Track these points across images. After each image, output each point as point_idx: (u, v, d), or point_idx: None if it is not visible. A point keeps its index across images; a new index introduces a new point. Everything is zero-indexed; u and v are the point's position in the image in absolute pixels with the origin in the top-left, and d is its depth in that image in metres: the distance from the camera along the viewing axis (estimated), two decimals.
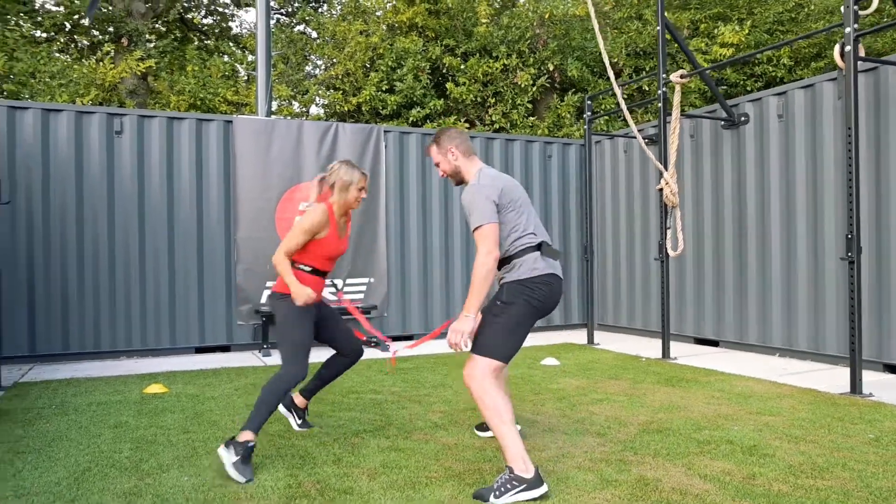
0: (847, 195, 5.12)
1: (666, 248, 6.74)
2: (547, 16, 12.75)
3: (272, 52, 13.40)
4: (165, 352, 7.43)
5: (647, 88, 12.59)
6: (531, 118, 12.96)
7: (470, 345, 3.32)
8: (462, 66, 12.81)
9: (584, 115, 8.20)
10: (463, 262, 8.83)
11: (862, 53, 5.22)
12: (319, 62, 14.98)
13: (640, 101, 9.78)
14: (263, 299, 7.72)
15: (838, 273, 6.28)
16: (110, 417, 4.59)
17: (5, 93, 10.63)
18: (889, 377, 5.71)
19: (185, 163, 7.57)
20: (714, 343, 7.60)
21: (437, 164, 3.60)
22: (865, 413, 4.49)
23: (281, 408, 4.25)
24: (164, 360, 7.16)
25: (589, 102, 8.19)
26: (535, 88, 12.69)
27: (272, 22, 17.21)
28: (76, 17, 13.66)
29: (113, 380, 5.98)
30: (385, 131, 8.50)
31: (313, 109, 14.55)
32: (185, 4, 16.53)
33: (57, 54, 12.81)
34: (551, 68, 12.96)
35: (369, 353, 7.45)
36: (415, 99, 12.56)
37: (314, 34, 15.53)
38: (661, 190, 6.72)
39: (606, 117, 12.35)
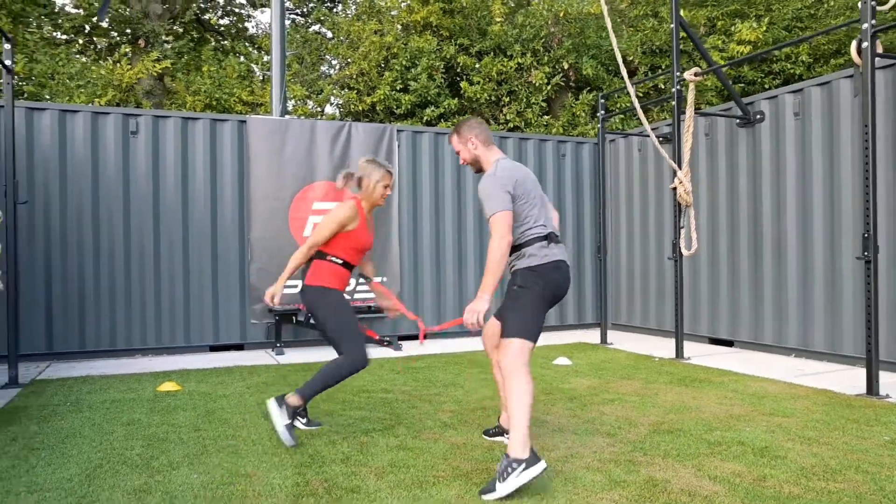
0: (864, 193, 5.05)
1: (680, 248, 6.69)
2: (562, 14, 12.70)
3: (287, 52, 13.48)
4: (180, 350, 7.50)
5: (662, 86, 12.49)
6: (546, 117, 12.92)
7: (483, 323, 3.46)
8: (476, 65, 12.79)
9: (598, 114, 8.15)
10: (476, 261, 8.82)
11: (880, 50, 5.15)
12: (334, 62, 15.04)
13: (654, 100, 9.71)
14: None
15: (855, 272, 6.19)
16: (123, 415, 4.64)
17: (25, 94, 10.78)
18: None
19: (200, 163, 7.63)
20: (729, 343, 7.53)
21: (458, 153, 3.82)
22: (881, 415, 4.42)
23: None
24: (179, 358, 7.23)
25: (602, 101, 8.14)
26: (549, 87, 12.64)
27: (287, 22, 17.31)
28: (95, 18, 13.83)
29: (127, 378, 6.04)
30: (398, 131, 8.51)
31: (328, 109, 14.61)
32: (202, 5, 16.67)
33: (77, 56, 12.96)
34: (566, 67, 12.90)
35: (381, 352, 7.46)
36: (429, 98, 12.57)
37: (329, 34, 15.59)
38: (674, 189, 6.67)
39: (622, 116, 12.27)
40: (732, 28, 12.42)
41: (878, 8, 5.05)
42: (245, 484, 3.26)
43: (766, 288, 7.07)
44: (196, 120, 7.65)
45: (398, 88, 12.60)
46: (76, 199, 7.16)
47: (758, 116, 7.11)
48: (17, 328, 5.77)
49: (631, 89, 6.36)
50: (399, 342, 7.91)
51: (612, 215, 9.42)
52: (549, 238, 3.59)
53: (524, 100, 12.68)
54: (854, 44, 5.18)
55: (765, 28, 12.10)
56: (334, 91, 13.45)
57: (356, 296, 8.14)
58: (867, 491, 3.07)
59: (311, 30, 16.30)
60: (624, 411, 4.62)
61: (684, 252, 6.64)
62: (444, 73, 12.80)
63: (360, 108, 12.79)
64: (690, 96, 6.53)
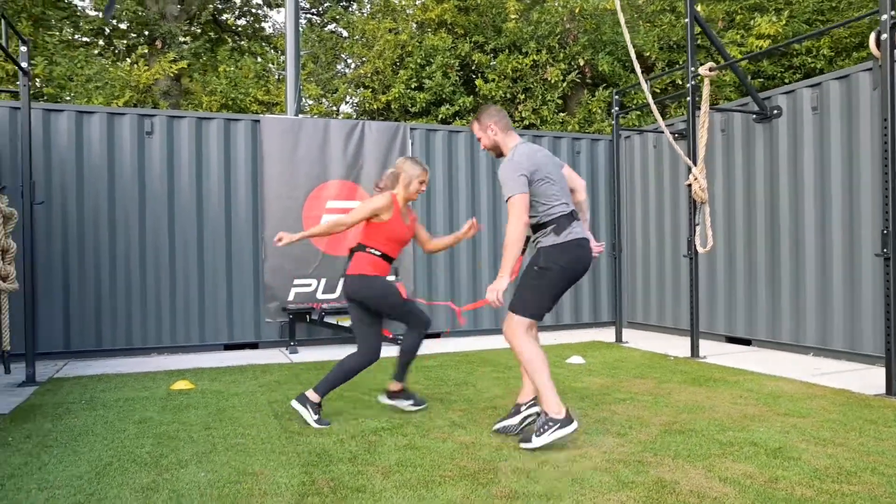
0: (883, 189, 4.94)
1: (695, 245, 6.60)
2: (577, 10, 12.61)
3: (302, 51, 13.53)
4: (195, 349, 7.56)
5: (679, 82, 12.35)
6: (562, 114, 12.84)
7: (504, 301, 3.70)
8: (491, 63, 12.74)
9: (613, 110, 8.07)
10: (489, 257, 8.79)
11: None
12: (349, 61, 15.07)
13: (669, 96, 9.60)
14: (291, 297, 7.79)
15: (875, 270, 6.06)
16: (136, 413, 4.68)
17: (45, 96, 10.93)
18: None
19: (214, 162, 7.68)
20: (746, 342, 7.42)
21: (479, 140, 4.03)
22: None
23: (387, 400, 4.76)
24: (194, 356, 7.28)
25: (617, 97, 8.06)
26: (565, 84, 12.56)
27: (304, 22, 17.39)
28: (114, 20, 13.98)
29: (142, 376, 6.10)
30: (411, 129, 8.50)
31: (343, 108, 14.65)
32: (219, 6, 16.79)
33: (98, 57, 13.11)
34: (582, 63, 12.80)
35: (391, 351, 7.44)
36: (444, 96, 12.55)
37: (344, 33, 15.62)
38: (689, 185, 6.58)
39: (638, 112, 12.16)
40: (751, 22, 12.25)
41: None
42: (252, 482, 3.26)
43: (783, 286, 6.96)
44: (210, 120, 7.70)
45: (413, 87, 12.59)
46: (92, 199, 7.24)
47: (775, 111, 6.99)
48: (34, 327, 5.84)
49: (644, 85, 6.29)
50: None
51: (628, 212, 9.33)
52: (572, 215, 3.82)
53: (539, 97, 12.61)
54: (873, 36, 5.07)
55: (784, 22, 11.91)
56: (349, 90, 13.47)
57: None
58: (883, 494, 3.00)
59: (326, 29, 16.35)
60: (636, 411, 4.57)
61: (700, 249, 6.55)
62: (459, 71, 12.77)
63: (375, 106, 12.81)
64: (705, 92, 6.43)
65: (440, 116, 12.47)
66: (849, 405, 4.61)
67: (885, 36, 4.89)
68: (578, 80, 13.00)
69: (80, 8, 13.97)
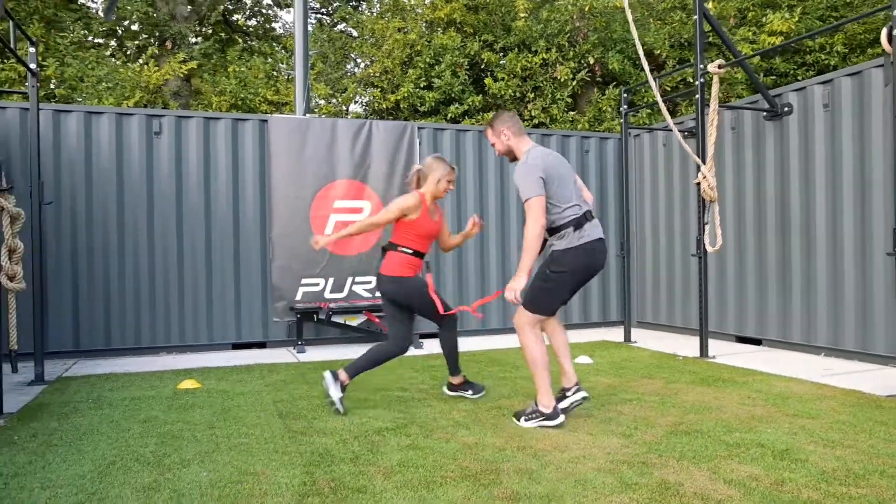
0: (895, 187, 4.86)
1: (704, 244, 6.54)
2: (587, 8, 12.53)
3: (311, 51, 13.55)
4: (203, 348, 7.59)
5: (691, 80, 12.25)
6: (571, 113, 12.77)
7: (521, 299, 3.96)
8: (501, 62, 12.70)
9: (621, 108, 8.01)
10: (498, 255, 8.76)
11: None
12: (359, 60, 15.08)
13: (679, 93, 9.52)
14: (299, 296, 7.80)
15: (887, 269, 5.97)
16: (141, 412, 4.69)
17: (56, 97, 11.01)
18: None
19: (222, 162, 7.70)
20: (756, 342, 7.34)
21: (493, 145, 4.20)
22: None
23: (449, 392, 5.05)
24: (202, 356, 7.30)
25: (625, 95, 8.01)
26: (575, 83, 12.49)
27: (314, 22, 17.43)
28: (125, 22, 14.08)
29: (149, 375, 6.12)
30: (419, 128, 8.49)
31: (353, 107, 14.66)
32: (230, 7, 16.86)
33: (110, 58, 13.19)
34: (592, 62, 12.72)
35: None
36: (453, 95, 12.52)
37: (354, 33, 15.64)
38: (698, 184, 6.52)
39: (649, 111, 12.07)
40: (763, 19, 12.12)
41: None
42: (253, 482, 3.26)
43: (794, 285, 6.88)
44: (218, 120, 7.72)
45: (422, 86, 12.57)
46: (101, 199, 7.28)
47: (785, 109, 6.91)
48: (42, 326, 5.88)
49: (652, 82, 6.24)
50: (420, 340, 7.89)
51: (637, 211, 9.27)
52: (585, 217, 3.98)
53: (549, 96, 12.55)
54: (885, 31, 4.99)
55: (797, 18, 11.78)
56: (358, 90, 13.48)
57: (378, 294, 8.14)
58: (891, 497, 2.95)
59: (336, 29, 16.37)
60: (642, 411, 4.53)
61: (709, 248, 6.49)
62: (468, 70, 12.74)
63: (384, 106, 12.80)
64: (714, 89, 6.37)
65: (449, 115, 12.44)
66: (859, 406, 4.54)
67: None
68: (588, 79, 12.92)
69: (92, 9, 14.08)
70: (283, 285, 7.78)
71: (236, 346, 7.75)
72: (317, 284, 7.91)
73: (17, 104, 6.98)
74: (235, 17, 17.65)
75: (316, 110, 12.65)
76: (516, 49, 12.76)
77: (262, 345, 7.85)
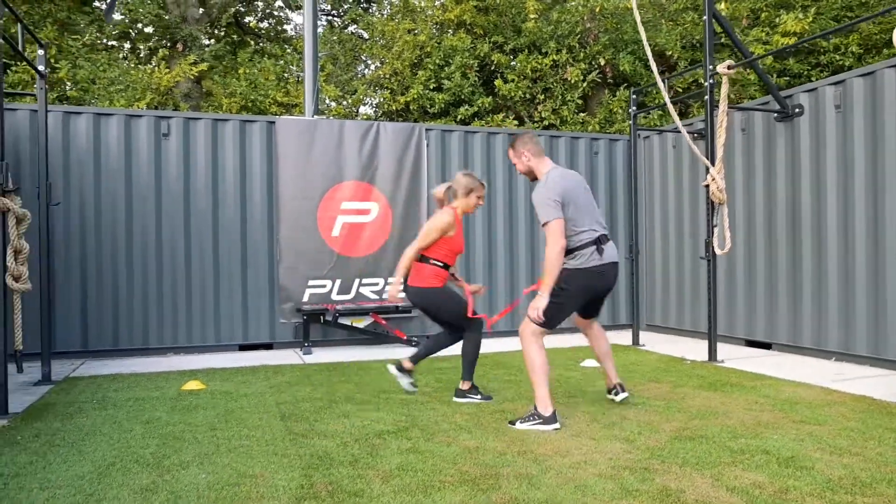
0: None
1: (713, 247, 6.47)
2: (598, 9, 12.46)
3: (321, 53, 13.57)
4: (210, 349, 7.60)
5: (702, 81, 12.14)
6: (582, 114, 12.70)
7: (542, 318, 4.11)
8: (511, 63, 12.65)
9: (630, 110, 7.95)
10: (505, 258, 8.72)
11: None
12: (369, 62, 15.09)
13: (689, 94, 9.44)
14: (305, 298, 7.80)
15: None
16: (145, 413, 4.70)
17: (69, 99, 11.10)
18: None
19: (230, 164, 7.72)
20: (766, 345, 7.25)
21: (515, 164, 4.40)
22: None
23: (456, 399, 5.05)
24: (209, 357, 7.31)
25: (634, 97, 7.94)
26: (585, 84, 12.42)
27: (325, 24, 17.48)
28: (139, 24, 14.18)
29: (155, 376, 6.13)
30: (427, 129, 8.47)
31: (363, 109, 14.67)
32: (242, 9, 16.94)
33: (123, 60, 13.28)
34: (603, 63, 12.65)
35: (405, 353, 7.41)
36: (463, 97, 12.49)
37: (364, 34, 15.66)
38: (707, 186, 6.45)
39: (660, 112, 11.98)
40: (777, 19, 11.99)
41: None
42: (250, 485, 3.24)
43: (805, 288, 6.79)
44: (226, 121, 7.75)
45: (432, 87, 12.55)
46: (110, 201, 7.32)
47: (796, 110, 6.83)
48: (49, 327, 5.91)
49: (660, 84, 6.18)
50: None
51: (647, 213, 9.19)
52: (600, 240, 4.19)
53: (559, 97, 12.49)
54: None
55: (811, 18, 11.64)
56: (368, 91, 13.48)
57: (384, 296, 8.13)
58: None
59: (346, 31, 16.40)
60: (647, 416, 4.47)
61: (717, 251, 6.42)
62: (478, 72, 12.70)
63: (394, 107, 12.80)
64: (724, 90, 6.30)
65: (459, 117, 12.41)
66: (869, 412, 4.46)
67: None
68: (599, 80, 12.85)
69: (104, 11, 14.18)
70: (290, 286, 7.79)
71: (243, 348, 7.76)
72: (324, 286, 7.91)
73: (27, 106, 7.03)
74: (248, 19, 17.74)
75: (326, 112, 12.67)
76: (526, 50, 12.72)
77: (268, 346, 7.86)
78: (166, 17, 13.45)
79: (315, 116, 8.56)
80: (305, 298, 7.81)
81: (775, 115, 7.05)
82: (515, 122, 12.55)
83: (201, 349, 7.58)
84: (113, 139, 7.35)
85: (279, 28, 18.06)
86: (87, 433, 4.20)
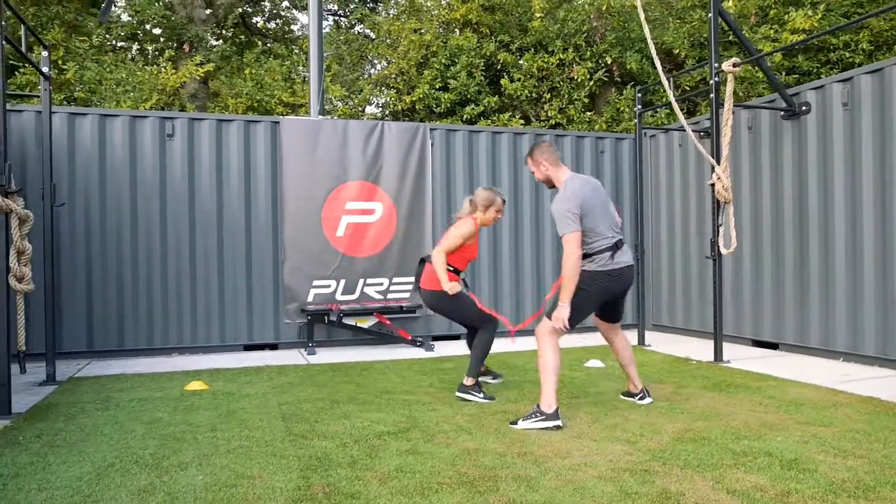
0: None
1: (718, 246, 6.41)
2: (605, 8, 12.39)
3: (327, 53, 13.58)
4: (215, 349, 7.61)
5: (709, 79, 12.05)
6: (589, 113, 12.64)
7: (568, 326, 4.24)
8: (517, 62, 12.61)
9: (636, 108, 7.90)
10: (511, 258, 8.69)
11: None
12: (375, 61, 15.09)
13: (696, 92, 9.36)
14: (310, 298, 7.80)
15: None
16: (146, 413, 4.71)
17: (77, 100, 11.15)
18: None
19: (234, 164, 7.73)
20: (774, 346, 7.18)
21: (533, 173, 4.54)
22: None
23: (459, 393, 5.10)
24: (214, 357, 7.33)
25: (639, 95, 7.89)
26: (592, 83, 12.36)
27: (331, 24, 17.49)
28: (146, 25, 14.24)
29: (159, 376, 6.15)
30: (431, 129, 8.44)
31: (369, 109, 14.67)
32: (249, 9, 16.98)
33: (131, 61, 13.34)
34: (609, 62, 12.58)
35: (412, 353, 7.41)
36: (469, 96, 12.46)
37: (370, 34, 15.66)
38: (713, 185, 6.39)
39: (668, 111, 11.90)
40: (786, 17, 11.88)
41: None
42: (247, 486, 3.24)
43: (812, 288, 6.72)
44: (230, 122, 7.76)
45: (438, 87, 12.53)
46: (115, 202, 7.34)
47: (803, 108, 6.76)
48: (53, 327, 5.93)
49: (665, 82, 6.13)
50: (432, 343, 7.85)
51: (653, 212, 9.13)
52: (616, 247, 4.35)
53: (566, 96, 12.44)
54: None
55: (820, 15, 11.52)
56: (374, 91, 13.48)
57: (389, 296, 8.12)
58: None
59: (353, 30, 16.40)
60: (649, 417, 4.43)
61: (723, 251, 6.37)
62: (484, 71, 12.67)
63: (400, 107, 12.78)
64: (729, 88, 6.24)
65: (465, 116, 12.38)
66: (876, 414, 4.41)
67: None
68: (606, 79, 12.78)
69: (112, 13, 14.24)
70: (295, 286, 7.79)
71: (248, 348, 7.77)
72: (328, 286, 7.91)
73: (32, 107, 7.07)
74: (256, 19, 17.78)
75: (332, 112, 12.67)
76: (533, 49, 12.67)
77: (273, 346, 7.86)
78: (173, 18, 13.50)
79: (320, 116, 8.54)
80: (310, 298, 7.81)
81: (782, 113, 6.98)
82: (522, 121, 12.51)
83: (206, 349, 7.59)
84: (118, 140, 7.37)
85: (286, 28, 18.10)
86: (89, 434, 4.20)
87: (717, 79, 6.42)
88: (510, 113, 12.69)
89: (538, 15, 12.57)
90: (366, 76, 14.73)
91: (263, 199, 7.82)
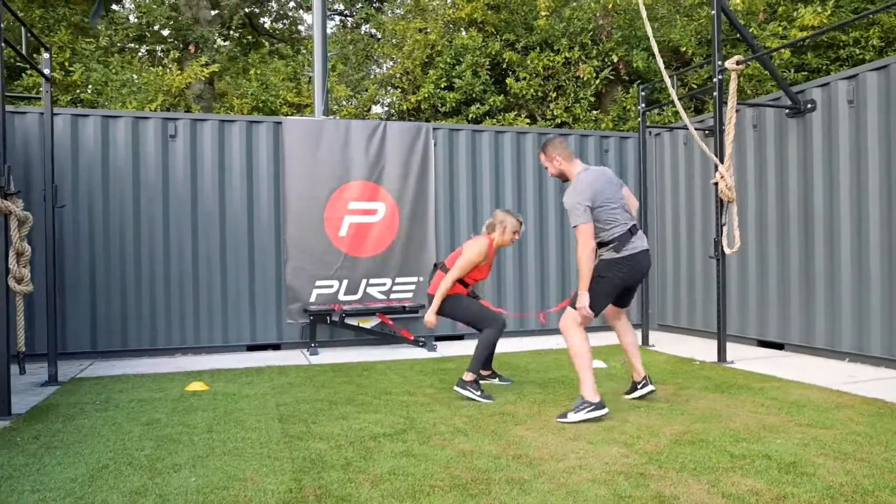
0: None
1: (722, 246, 6.35)
2: (611, 6, 12.32)
3: (331, 53, 13.58)
4: (218, 349, 7.63)
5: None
6: (595, 112, 12.57)
7: (591, 313, 4.37)
8: (522, 61, 12.56)
9: (639, 107, 7.84)
10: (515, 260, 8.65)
11: None
12: (380, 61, 15.08)
13: (701, 90, 9.29)
14: (313, 298, 7.80)
15: None
16: (145, 415, 4.71)
17: (83, 101, 11.22)
18: None
19: (236, 164, 7.74)
20: (779, 346, 7.11)
21: (546, 168, 4.62)
22: None
23: (457, 388, 5.15)
24: (216, 357, 7.33)
25: (643, 93, 7.83)
26: (598, 81, 12.30)
27: (337, 24, 17.50)
28: (154, 27, 14.30)
29: (160, 377, 6.16)
30: (434, 129, 8.42)
31: (374, 108, 14.67)
32: (256, 10, 17.02)
33: (136, 63, 13.41)
34: (615, 60, 12.51)
35: (414, 353, 7.39)
36: (474, 95, 12.43)
37: (377, 34, 15.65)
38: (716, 184, 6.33)
39: (674, 109, 11.80)
40: (794, 13, 11.76)
41: None
42: (239, 489, 3.23)
43: (817, 288, 6.64)
44: (232, 122, 7.77)
45: (443, 86, 12.51)
46: (118, 202, 7.37)
47: (808, 106, 6.68)
48: (55, 328, 5.96)
49: (667, 79, 6.07)
50: (434, 343, 7.83)
51: (658, 211, 9.07)
52: (631, 232, 4.42)
53: (572, 95, 12.38)
54: None
55: (830, 12, 11.39)
56: (379, 91, 13.47)
57: (391, 296, 8.11)
58: None
59: (359, 30, 16.40)
60: (648, 419, 4.39)
61: (726, 250, 6.30)
62: (490, 70, 12.63)
63: (405, 107, 12.77)
64: (732, 86, 6.18)
65: (470, 116, 12.35)
66: (879, 416, 4.34)
67: None
68: (612, 77, 12.71)
69: (121, 14, 14.32)
70: (298, 287, 7.79)
71: (251, 348, 7.78)
72: (331, 286, 7.90)
73: (36, 109, 7.11)
74: (262, 20, 17.82)
75: (337, 112, 12.67)
76: (538, 48, 12.62)
77: (276, 346, 7.86)
78: (179, 19, 13.55)
79: (324, 116, 8.53)
80: (312, 299, 7.81)
81: (787, 110, 6.90)
82: (528, 120, 12.46)
83: (209, 350, 7.60)
84: (120, 141, 7.40)
85: (293, 28, 18.13)
86: (86, 435, 4.21)
87: (720, 76, 6.35)
88: (516, 112, 12.65)
89: (544, 13, 12.51)
90: (371, 76, 14.73)
91: (266, 199, 7.82)
